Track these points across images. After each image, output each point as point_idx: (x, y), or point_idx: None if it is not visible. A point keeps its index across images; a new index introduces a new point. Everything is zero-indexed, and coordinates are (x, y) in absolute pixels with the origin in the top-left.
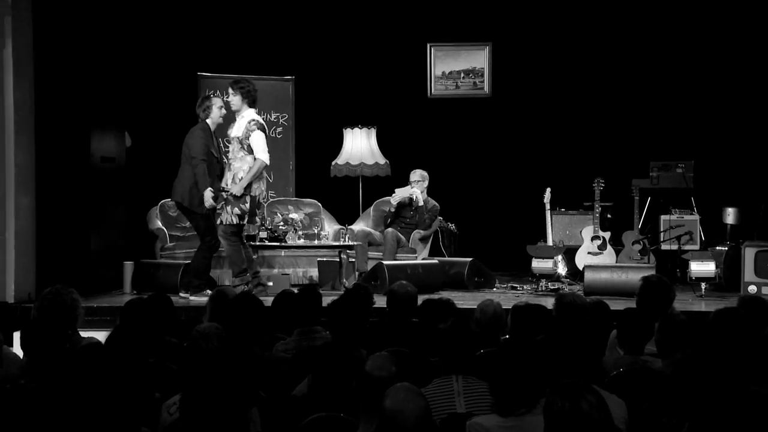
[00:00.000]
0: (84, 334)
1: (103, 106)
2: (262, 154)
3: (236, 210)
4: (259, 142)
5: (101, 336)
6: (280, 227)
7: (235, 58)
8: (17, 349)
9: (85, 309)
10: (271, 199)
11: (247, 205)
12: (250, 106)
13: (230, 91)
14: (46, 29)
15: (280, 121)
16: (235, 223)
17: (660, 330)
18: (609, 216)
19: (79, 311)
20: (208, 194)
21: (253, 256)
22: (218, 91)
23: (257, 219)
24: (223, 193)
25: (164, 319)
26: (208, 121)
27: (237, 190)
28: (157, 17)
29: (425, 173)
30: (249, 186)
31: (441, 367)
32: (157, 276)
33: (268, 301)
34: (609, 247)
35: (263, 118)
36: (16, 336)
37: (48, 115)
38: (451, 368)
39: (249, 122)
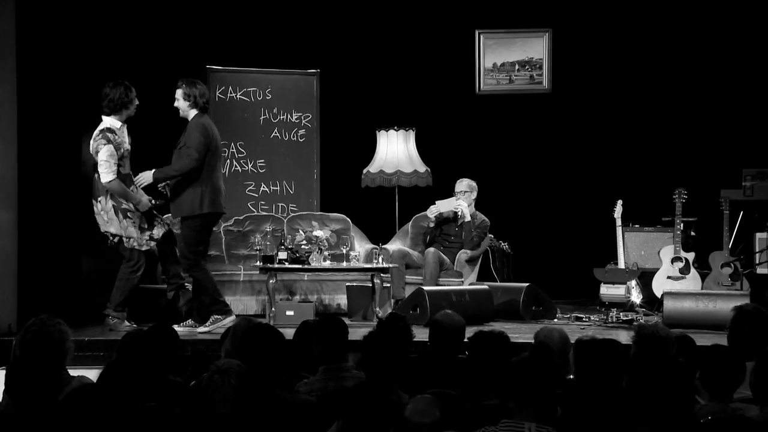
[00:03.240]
0: (73, 372)
1: (96, 107)
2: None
3: None
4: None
5: (93, 375)
6: (303, 247)
7: (249, 49)
8: None
9: (75, 343)
10: (292, 214)
11: None
12: (107, 115)
13: None
14: (31, 17)
15: (303, 122)
16: None
17: (757, 370)
18: (693, 233)
19: (69, 345)
20: None
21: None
22: (230, 87)
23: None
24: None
25: (167, 354)
26: None
27: None
28: (159, 3)
29: (474, 183)
30: None
31: (501, 411)
32: (159, 304)
33: (288, 334)
34: (693, 270)
35: (283, 119)
36: None
37: (33, 116)
38: (524, 411)
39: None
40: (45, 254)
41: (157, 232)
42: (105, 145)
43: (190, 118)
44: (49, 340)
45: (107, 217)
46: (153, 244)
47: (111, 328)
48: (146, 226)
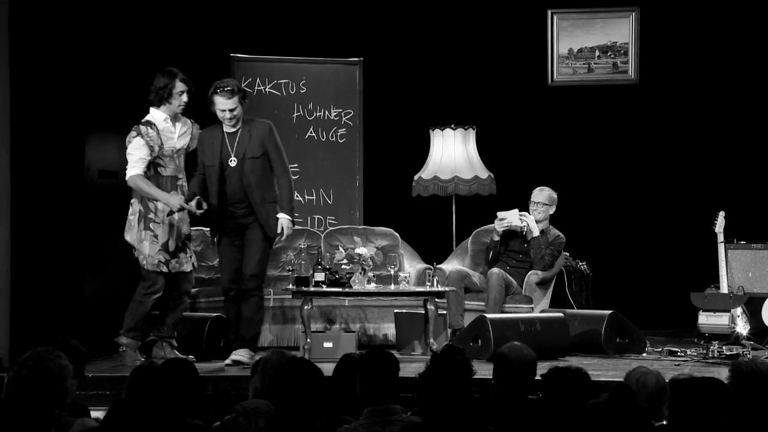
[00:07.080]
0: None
1: (102, 104)
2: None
3: None
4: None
5: (98, 417)
6: (343, 267)
7: (280, 34)
8: None
9: (78, 380)
10: (331, 228)
11: None
12: (153, 105)
13: None
14: (26, 4)
15: (343, 119)
16: None
17: None
18: None
19: (70, 383)
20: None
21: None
22: (258, 79)
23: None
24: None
25: (185, 392)
26: None
27: None
28: None
29: (555, 196)
30: None
31: None
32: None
33: (326, 370)
34: None
35: (320, 116)
36: None
37: (28, 117)
38: None
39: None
40: (42, 275)
41: (176, 265)
42: (134, 138)
43: None
44: (48, 377)
45: (132, 222)
46: (166, 268)
47: (120, 360)
48: (172, 249)
